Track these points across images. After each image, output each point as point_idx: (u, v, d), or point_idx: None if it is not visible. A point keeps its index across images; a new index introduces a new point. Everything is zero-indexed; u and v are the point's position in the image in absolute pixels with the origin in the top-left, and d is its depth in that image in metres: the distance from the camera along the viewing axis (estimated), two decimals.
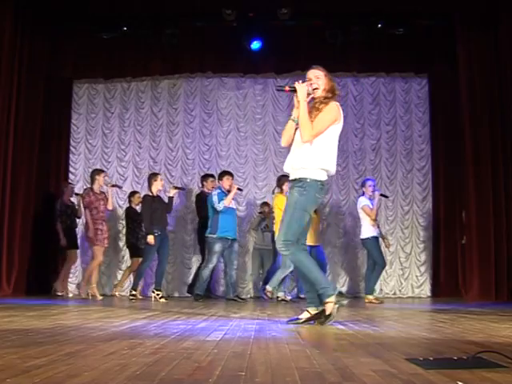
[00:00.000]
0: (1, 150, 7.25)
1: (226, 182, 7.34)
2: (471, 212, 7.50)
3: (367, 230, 7.27)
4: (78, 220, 8.31)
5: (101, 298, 7.36)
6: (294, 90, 3.83)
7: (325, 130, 3.80)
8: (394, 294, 8.76)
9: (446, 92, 8.59)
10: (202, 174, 8.89)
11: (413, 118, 9.08)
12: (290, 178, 3.93)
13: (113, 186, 7.89)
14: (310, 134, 3.77)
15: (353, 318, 4.42)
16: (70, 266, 8.33)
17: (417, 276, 8.75)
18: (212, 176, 8.18)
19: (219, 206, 7.12)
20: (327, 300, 3.71)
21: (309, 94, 3.83)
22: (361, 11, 8.24)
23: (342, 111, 3.91)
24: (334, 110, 3.83)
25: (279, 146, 9.08)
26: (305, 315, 3.82)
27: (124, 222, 8.54)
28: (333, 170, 3.89)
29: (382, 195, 7.74)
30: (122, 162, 9.13)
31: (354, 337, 2.97)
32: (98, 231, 7.39)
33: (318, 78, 3.92)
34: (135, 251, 8.08)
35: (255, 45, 8.65)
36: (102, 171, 7.85)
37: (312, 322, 3.77)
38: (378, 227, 7.46)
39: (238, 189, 7.53)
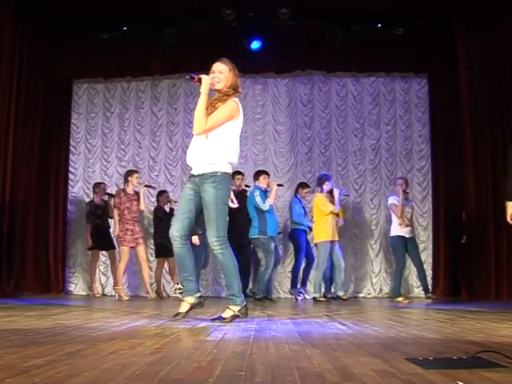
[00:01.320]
0: (1, 149, 7.25)
1: (262, 182, 7.31)
2: (471, 212, 7.51)
3: (393, 229, 7.40)
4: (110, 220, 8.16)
5: (126, 298, 7.29)
6: (199, 80, 3.83)
7: (219, 126, 3.83)
8: (394, 293, 8.74)
9: (446, 92, 8.58)
10: None
11: (412, 117, 9.08)
12: (197, 173, 3.87)
13: (146, 186, 7.86)
14: (202, 128, 3.81)
15: (353, 318, 4.42)
16: (93, 266, 8.25)
17: (417, 276, 8.73)
18: (240, 173, 7.96)
19: (265, 206, 7.12)
20: (231, 307, 3.83)
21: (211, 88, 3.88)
22: (361, 11, 8.23)
23: (241, 108, 3.93)
24: (231, 107, 3.85)
25: (279, 145, 9.11)
26: (184, 307, 3.87)
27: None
28: (236, 162, 3.98)
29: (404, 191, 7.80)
30: (121, 161, 9.13)
31: (354, 337, 2.97)
32: (127, 231, 7.33)
33: (221, 72, 3.90)
34: (161, 251, 7.89)
35: (255, 45, 8.64)
36: (135, 172, 7.76)
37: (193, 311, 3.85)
38: (410, 227, 7.45)
39: (279, 185, 7.55)
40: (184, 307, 3.87)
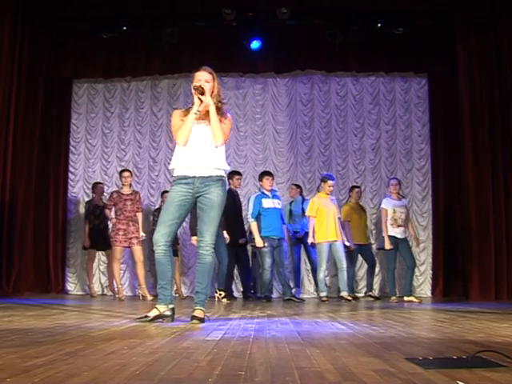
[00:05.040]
0: (1, 149, 7.26)
1: (266, 183, 7.27)
2: (471, 212, 7.50)
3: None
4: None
5: (123, 298, 7.25)
6: (202, 92, 3.84)
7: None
8: (389, 293, 8.74)
9: (446, 92, 8.58)
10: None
11: (412, 117, 9.08)
12: (199, 175, 3.85)
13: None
14: (224, 139, 3.92)
15: (353, 318, 4.42)
16: (90, 265, 8.23)
17: (416, 276, 8.71)
18: (238, 173, 7.95)
19: (250, 219, 7.15)
20: (202, 308, 3.81)
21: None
22: (360, 10, 8.23)
23: None
24: (231, 121, 4.05)
25: (279, 145, 9.11)
26: (153, 312, 3.78)
27: None
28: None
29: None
30: (121, 161, 9.13)
31: (354, 337, 2.97)
32: (119, 231, 7.25)
33: (207, 81, 3.91)
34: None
35: (255, 44, 8.63)
36: (124, 171, 7.62)
37: (160, 320, 3.75)
38: (402, 227, 7.44)
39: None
40: (153, 312, 3.78)
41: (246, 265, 7.91)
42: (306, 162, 9.03)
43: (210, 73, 3.94)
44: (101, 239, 8.02)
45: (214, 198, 3.85)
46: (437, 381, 1.71)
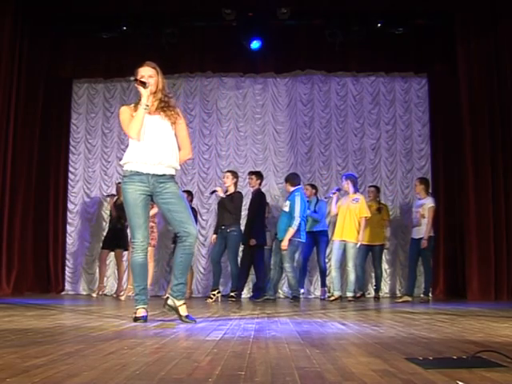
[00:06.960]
0: (1, 150, 7.26)
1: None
2: (471, 212, 7.51)
3: None
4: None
5: (123, 298, 7.24)
6: (143, 84, 3.80)
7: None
8: (394, 293, 8.75)
9: (446, 92, 8.58)
10: (202, 173, 8.96)
11: (412, 117, 9.08)
12: (153, 172, 3.72)
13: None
14: (191, 154, 4.06)
15: (353, 318, 4.42)
16: (101, 266, 8.22)
17: (417, 276, 8.72)
18: (253, 173, 7.82)
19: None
20: (183, 302, 3.78)
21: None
22: (360, 11, 8.23)
23: None
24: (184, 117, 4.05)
25: (279, 145, 9.10)
26: (141, 313, 3.77)
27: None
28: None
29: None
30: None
31: (354, 337, 2.97)
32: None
33: (151, 76, 3.90)
34: None
35: (255, 44, 8.63)
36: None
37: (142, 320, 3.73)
38: (417, 227, 7.39)
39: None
40: (142, 312, 3.76)
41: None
42: (305, 162, 9.03)
43: (154, 67, 3.93)
44: (106, 240, 8.12)
45: (176, 190, 3.79)
46: (437, 381, 1.71)
